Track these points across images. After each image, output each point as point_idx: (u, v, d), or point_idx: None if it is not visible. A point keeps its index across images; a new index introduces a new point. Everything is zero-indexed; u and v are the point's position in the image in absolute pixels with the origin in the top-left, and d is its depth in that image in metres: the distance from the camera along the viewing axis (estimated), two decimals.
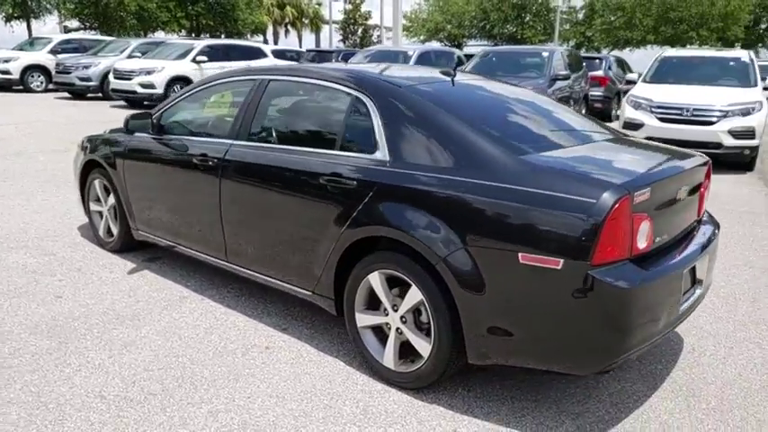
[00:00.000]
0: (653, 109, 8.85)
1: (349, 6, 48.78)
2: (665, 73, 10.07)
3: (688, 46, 25.13)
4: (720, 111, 8.43)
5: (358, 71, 3.13)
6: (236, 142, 3.39)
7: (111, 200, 4.42)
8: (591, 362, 2.31)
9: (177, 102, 3.95)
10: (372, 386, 2.79)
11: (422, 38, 44.50)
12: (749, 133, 8.35)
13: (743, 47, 29.91)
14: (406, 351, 2.76)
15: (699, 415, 2.62)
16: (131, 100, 15.46)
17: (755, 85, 9.12)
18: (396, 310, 2.73)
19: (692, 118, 8.51)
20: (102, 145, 4.42)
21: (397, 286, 2.75)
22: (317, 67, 3.35)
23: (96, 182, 4.54)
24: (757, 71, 9.43)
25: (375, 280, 2.75)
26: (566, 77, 10.77)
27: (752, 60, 9.64)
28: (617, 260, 2.23)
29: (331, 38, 49.47)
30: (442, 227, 2.47)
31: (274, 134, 3.30)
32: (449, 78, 3.20)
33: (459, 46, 41.18)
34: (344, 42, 47.90)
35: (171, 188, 3.80)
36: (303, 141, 3.15)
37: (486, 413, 2.59)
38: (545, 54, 11.41)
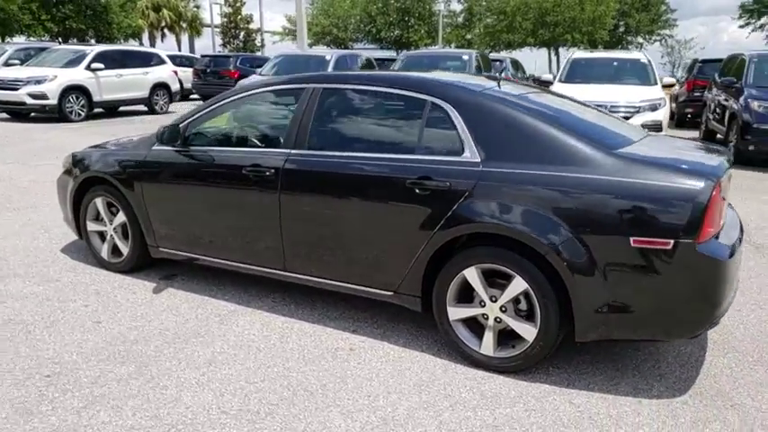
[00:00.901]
0: None
1: (228, 9, 47.48)
2: (576, 73, 11.04)
3: (567, 48, 27.45)
4: (634, 106, 9.42)
5: (431, 78, 3.29)
6: (294, 151, 3.40)
7: (120, 218, 4.19)
8: (691, 328, 2.67)
9: (206, 112, 3.85)
10: (473, 373, 2.97)
11: (308, 42, 44.47)
12: (657, 126, 9.42)
13: (605, 47, 33.06)
14: (505, 338, 2.97)
15: (750, 366, 3.07)
16: (17, 112, 14.17)
17: (656, 84, 10.26)
18: (494, 301, 2.93)
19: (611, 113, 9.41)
20: (106, 160, 4.18)
21: (492, 278, 2.95)
22: (380, 74, 3.45)
23: (98, 200, 4.28)
24: (655, 71, 10.62)
25: (471, 274, 2.93)
26: None
27: (649, 61, 10.82)
28: (711, 237, 2.60)
29: (213, 42, 47.97)
30: (550, 219, 2.71)
31: (342, 141, 3.36)
32: (498, 83, 3.44)
33: (347, 49, 41.68)
34: (226, 47, 46.55)
35: (207, 201, 3.71)
36: (377, 147, 3.23)
37: (586, 384, 2.87)
38: (465, 57, 12.05)
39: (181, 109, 15.85)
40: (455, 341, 3.06)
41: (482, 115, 2.99)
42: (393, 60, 14.60)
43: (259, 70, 14.49)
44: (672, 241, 2.54)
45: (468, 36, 43.08)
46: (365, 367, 3.02)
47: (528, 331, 2.86)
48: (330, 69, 13.10)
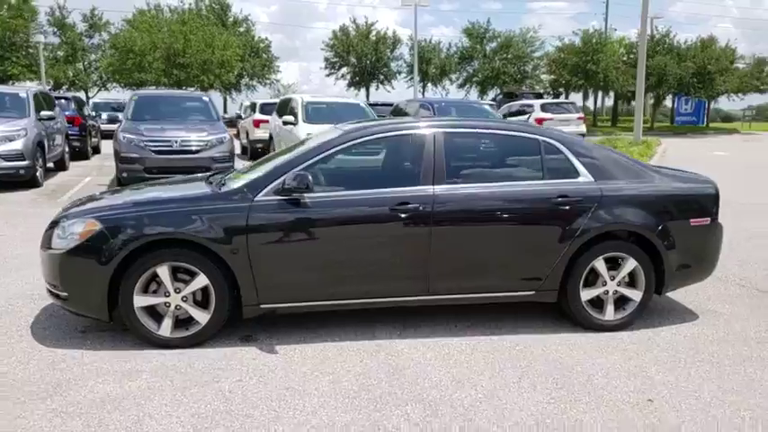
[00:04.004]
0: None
1: None
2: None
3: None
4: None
5: (534, 125, 4.23)
6: (439, 187, 3.86)
7: (199, 282, 3.67)
8: (711, 271, 4.40)
9: (319, 159, 3.85)
10: (600, 334, 4.08)
11: None
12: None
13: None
14: (620, 304, 4.18)
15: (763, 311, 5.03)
16: None
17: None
18: (612, 279, 4.12)
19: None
20: (174, 218, 3.62)
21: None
22: (498, 121, 4.17)
23: (161, 267, 3.62)
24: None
25: (600, 263, 4.06)
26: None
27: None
28: None
29: None
30: (647, 215, 4.07)
31: (476, 175, 4.00)
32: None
33: None
34: None
35: (340, 243, 3.77)
36: (508, 177, 4.03)
37: (635, 340, 4.30)
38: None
39: None
40: (587, 316, 4.11)
41: (579, 148, 4.17)
42: None
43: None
44: (708, 219, 4.23)
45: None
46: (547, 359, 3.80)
47: (636, 294, 4.14)
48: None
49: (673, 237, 4.11)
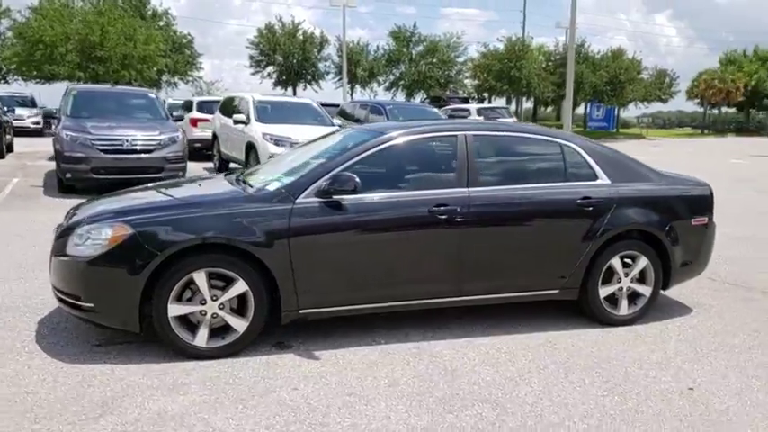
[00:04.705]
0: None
1: None
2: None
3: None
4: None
5: (554, 129, 4.36)
6: (473, 189, 3.92)
7: (238, 288, 3.52)
8: (705, 266, 4.73)
9: (357, 161, 3.80)
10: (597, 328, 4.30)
11: None
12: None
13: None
14: (632, 299, 4.40)
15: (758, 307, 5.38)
16: None
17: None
18: (626, 276, 4.34)
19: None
20: (212, 222, 3.47)
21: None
22: (521, 125, 4.25)
23: (197, 274, 3.45)
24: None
25: (616, 261, 4.27)
26: None
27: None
28: None
29: None
30: (658, 215, 4.33)
31: (506, 177, 4.09)
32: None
33: None
34: None
35: (381, 246, 3.77)
36: (534, 179, 4.15)
37: (645, 332, 4.58)
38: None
39: None
40: (605, 311, 4.30)
41: (597, 152, 4.36)
42: None
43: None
44: (706, 218, 4.55)
45: None
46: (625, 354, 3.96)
47: (647, 290, 4.39)
48: None
49: (677, 235, 4.39)
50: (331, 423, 2.89)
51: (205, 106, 16.92)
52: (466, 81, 43.84)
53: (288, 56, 43.08)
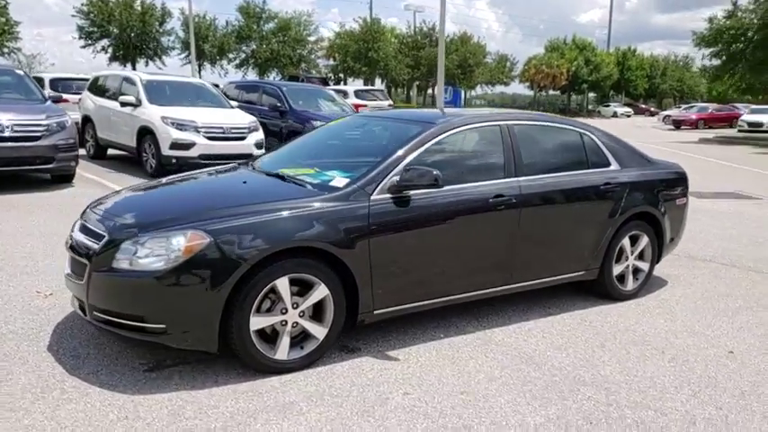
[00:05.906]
0: None
1: None
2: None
3: None
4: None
5: (568, 118, 4.54)
6: (522, 178, 4.01)
7: (319, 294, 3.27)
8: (678, 241, 5.30)
9: (421, 153, 3.68)
10: (604, 302, 4.69)
11: None
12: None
13: None
14: (634, 275, 4.80)
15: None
16: None
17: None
18: (632, 254, 4.73)
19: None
20: (293, 225, 3.17)
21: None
22: (548, 114, 4.35)
23: (283, 280, 3.14)
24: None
25: (626, 241, 4.64)
26: None
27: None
28: None
29: None
30: (656, 197, 4.76)
31: (545, 166, 4.21)
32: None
33: None
34: None
35: (449, 239, 3.72)
36: (566, 167, 4.34)
37: (625, 310, 5.07)
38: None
39: None
40: (617, 288, 4.66)
41: (607, 139, 4.67)
42: None
43: None
44: (686, 199, 5.10)
45: None
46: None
47: (646, 266, 4.83)
48: None
49: (668, 214, 4.88)
50: (473, 426, 2.82)
51: (60, 84, 14.92)
52: (318, 61, 43.55)
53: (125, 28, 39.46)
